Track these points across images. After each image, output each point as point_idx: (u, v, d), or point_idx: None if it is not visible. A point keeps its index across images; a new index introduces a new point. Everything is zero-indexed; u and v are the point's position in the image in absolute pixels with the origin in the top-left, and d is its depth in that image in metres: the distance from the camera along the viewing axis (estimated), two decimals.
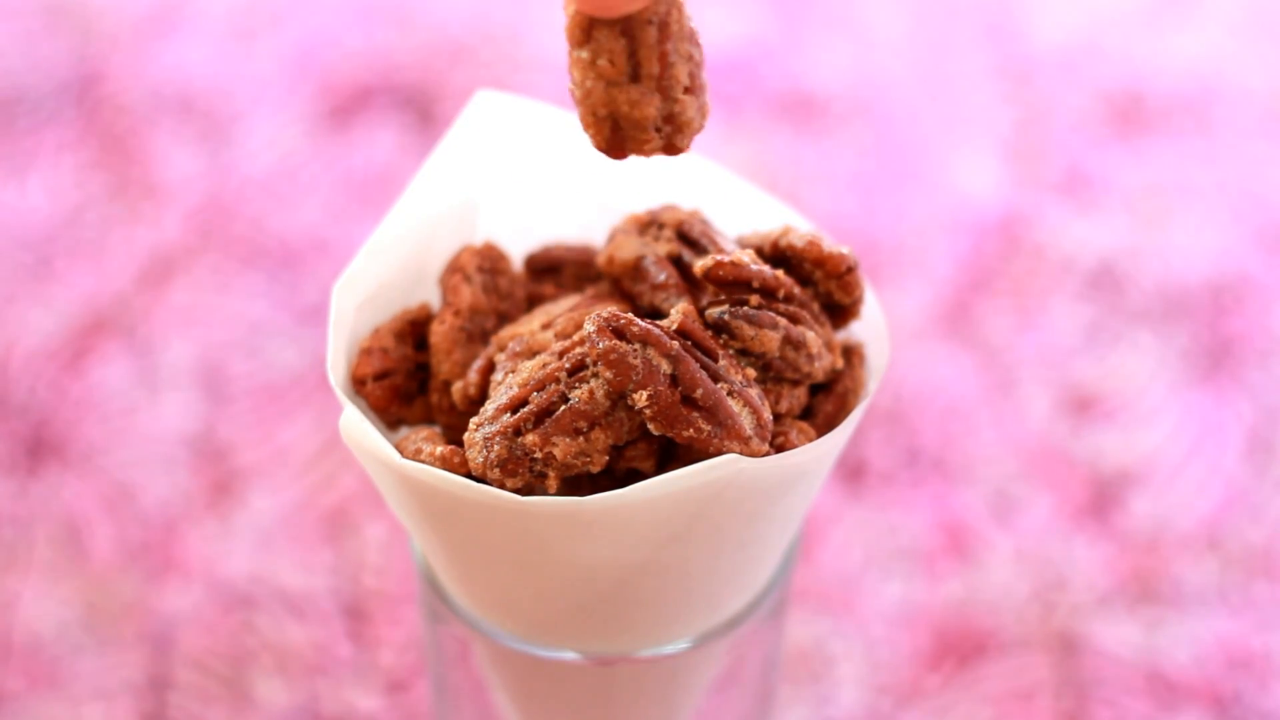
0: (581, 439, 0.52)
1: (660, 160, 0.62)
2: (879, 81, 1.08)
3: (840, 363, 0.57)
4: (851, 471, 0.86)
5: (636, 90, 0.50)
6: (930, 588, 0.82)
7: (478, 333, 0.58)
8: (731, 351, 0.54)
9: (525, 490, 0.53)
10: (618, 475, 0.55)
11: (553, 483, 0.53)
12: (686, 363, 0.52)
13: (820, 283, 0.56)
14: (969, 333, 0.93)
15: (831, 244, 0.56)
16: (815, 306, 0.56)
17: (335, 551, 0.83)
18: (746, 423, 0.53)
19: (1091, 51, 1.11)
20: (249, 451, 0.87)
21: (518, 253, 0.62)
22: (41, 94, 1.06)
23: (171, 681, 0.78)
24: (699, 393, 0.52)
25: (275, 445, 0.87)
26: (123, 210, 0.99)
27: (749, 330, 0.54)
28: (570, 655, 0.60)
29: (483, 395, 0.56)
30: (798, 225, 0.59)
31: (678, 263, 0.57)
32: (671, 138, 0.52)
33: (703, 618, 0.59)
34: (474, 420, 0.53)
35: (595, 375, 0.52)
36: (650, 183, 0.62)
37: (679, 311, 0.53)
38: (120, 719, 0.77)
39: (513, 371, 0.54)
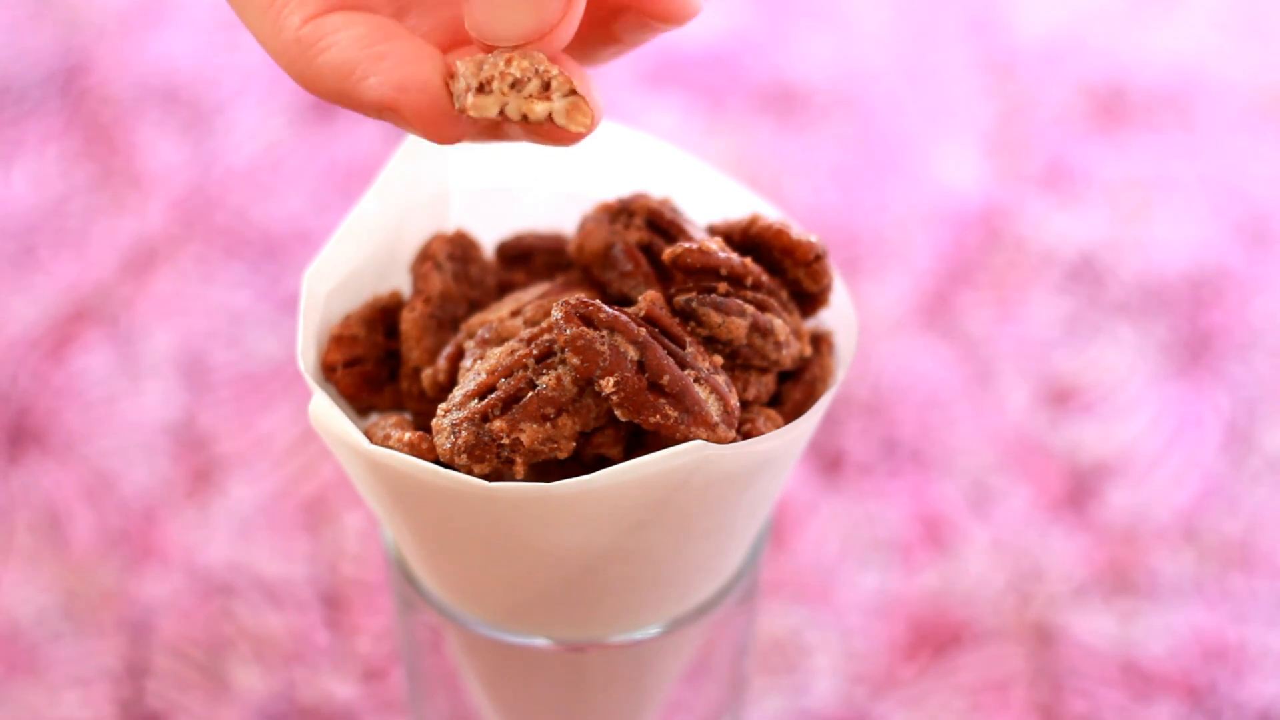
0: (549, 425, 0.53)
1: (633, 148, 0.63)
2: (861, 74, 1.08)
3: (809, 350, 0.57)
4: (829, 462, 0.87)
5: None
6: (907, 578, 0.82)
7: (448, 320, 0.58)
8: (699, 338, 0.54)
9: (493, 476, 0.53)
10: (585, 461, 0.55)
11: (520, 469, 0.53)
12: (653, 349, 0.52)
13: (789, 270, 0.57)
14: (948, 325, 0.94)
15: (800, 231, 0.56)
16: (783, 294, 0.56)
17: (313, 540, 0.83)
18: (713, 409, 0.53)
19: (1073, 45, 1.11)
20: (229, 440, 0.87)
21: (489, 240, 0.62)
22: (27, 84, 1.06)
23: (149, 669, 0.79)
24: (666, 379, 0.52)
25: (255, 434, 0.87)
26: (106, 200, 0.99)
27: (716, 317, 0.54)
28: (541, 642, 0.60)
29: (452, 382, 0.56)
30: (767, 213, 0.59)
31: (648, 250, 0.57)
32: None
33: (673, 604, 0.60)
34: (442, 406, 0.54)
35: (562, 361, 0.52)
36: (621, 171, 0.62)
37: (646, 299, 0.54)
38: (98, 706, 0.77)
39: (481, 358, 0.55)
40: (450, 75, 0.48)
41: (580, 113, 0.48)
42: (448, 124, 0.49)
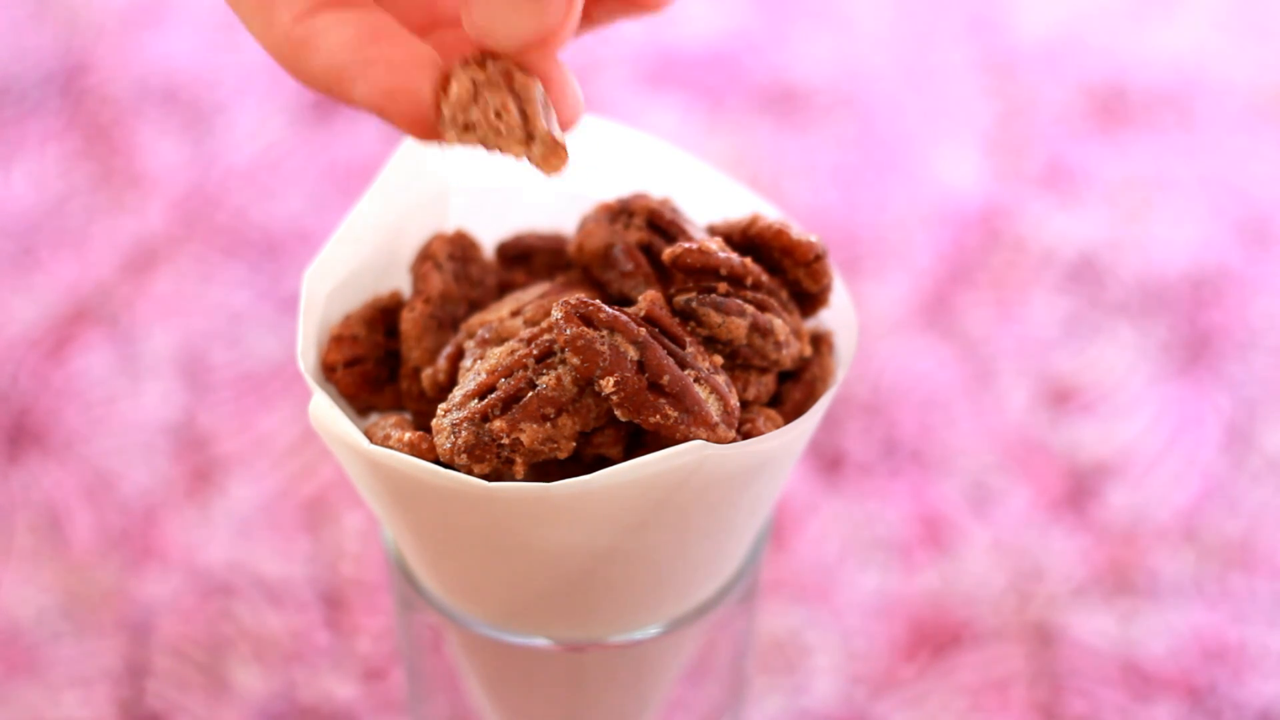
0: (549, 425, 0.52)
1: (633, 148, 0.63)
2: (861, 74, 1.08)
3: (809, 350, 0.57)
4: (829, 462, 0.87)
5: None
6: (907, 578, 0.82)
7: (448, 320, 0.58)
8: (699, 338, 0.54)
9: (493, 476, 0.53)
10: (585, 461, 0.55)
11: (520, 469, 0.53)
12: (653, 349, 0.52)
13: (789, 270, 0.57)
14: (948, 324, 0.94)
15: (800, 231, 0.56)
16: (783, 294, 0.56)
17: (313, 540, 0.83)
18: (713, 409, 0.53)
19: (1074, 45, 1.11)
20: (229, 440, 0.87)
21: (489, 240, 0.62)
22: (27, 84, 1.06)
23: (150, 669, 0.79)
24: (666, 379, 0.52)
25: (255, 434, 0.87)
26: (106, 200, 0.99)
27: (716, 317, 0.54)
28: (541, 642, 0.60)
29: (452, 382, 0.56)
30: (767, 213, 0.59)
31: (648, 250, 0.57)
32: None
33: (673, 604, 0.60)
34: (442, 406, 0.54)
35: (563, 361, 0.52)
36: (621, 171, 0.62)
37: (646, 299, 0.54)
38: (98, 706, 0.77)
39: (481, 358, 0.55)
40: (444, 85, 0.48)
41: (556, 158, 0.49)
42: (435, 131, 0.49)
